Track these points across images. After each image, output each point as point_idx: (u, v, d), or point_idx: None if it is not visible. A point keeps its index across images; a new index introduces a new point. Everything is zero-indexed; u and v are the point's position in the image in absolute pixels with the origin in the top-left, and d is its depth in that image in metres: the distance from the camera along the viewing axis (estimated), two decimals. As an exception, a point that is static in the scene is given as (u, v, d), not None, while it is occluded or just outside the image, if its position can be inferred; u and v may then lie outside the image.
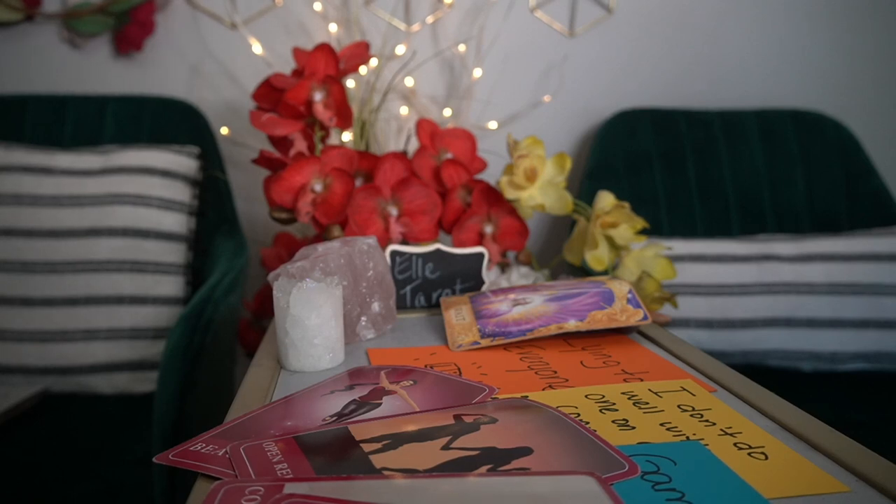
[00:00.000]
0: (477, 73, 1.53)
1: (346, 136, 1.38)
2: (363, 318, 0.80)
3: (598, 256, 1.01)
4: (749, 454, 0.50)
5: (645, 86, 1.61)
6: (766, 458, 0.49)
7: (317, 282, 0.70)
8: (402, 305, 0.92)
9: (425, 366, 0.70)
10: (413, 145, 1.22)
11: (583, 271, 1.21)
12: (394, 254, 0.91)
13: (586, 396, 0.61)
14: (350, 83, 1.43)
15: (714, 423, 0.55)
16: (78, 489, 0.93)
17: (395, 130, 1.54)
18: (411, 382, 0.64)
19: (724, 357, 1.26)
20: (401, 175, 1.04)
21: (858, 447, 0.50)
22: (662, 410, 0.57)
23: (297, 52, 1.13)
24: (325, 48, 1.06)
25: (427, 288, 0.92)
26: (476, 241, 1.06)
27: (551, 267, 1.16)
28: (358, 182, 1.10)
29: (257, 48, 1.47)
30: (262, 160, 1.05)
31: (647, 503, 0.43)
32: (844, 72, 1.65)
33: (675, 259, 1.26)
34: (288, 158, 1.04)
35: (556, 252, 1.59)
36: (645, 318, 0.76)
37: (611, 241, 1.01)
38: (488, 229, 1.06)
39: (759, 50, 1.62)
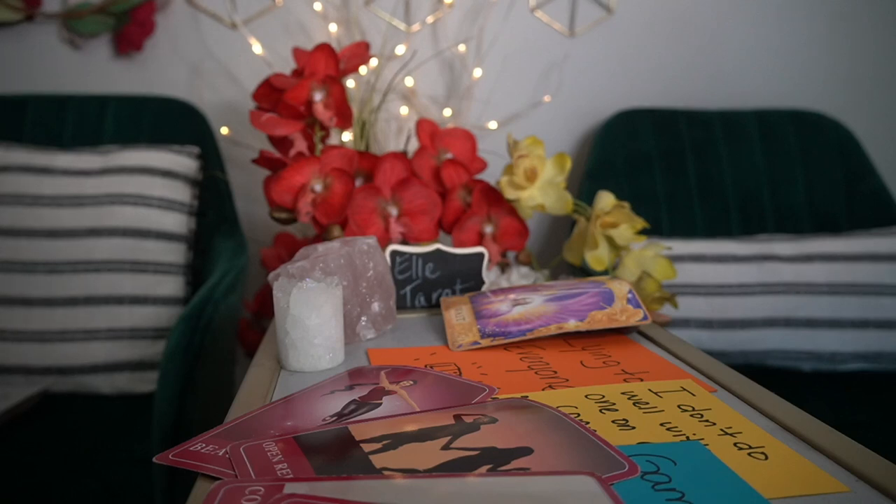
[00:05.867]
0: (477, 73, 1.53)
1: (346, 136, 1.38)
2: (363, 318, 0.80)
3: (598, 256, 1.01)
4: (749, 454, 0.50)
5: (645, 86, 1.61)
6: (766, 458, 0.49)
7: (317, 282, 0.70)
8: (402, 305, 0.92)
9: (425, 366, 0.70)
10: (413, 145, 1.22)
11: (583, 271, 1.21)
12: (394, 254, 0.91)
13: (586, 396, 0.61)
14: (350, 83, 1.43)
15: (714, 423, 0.55)
16: (78, 489, 0.93)
17: (395, 130, 1.54)
18: (411, 382, 0.64)
19: (724, 357, 1.25)
20: (401, 175, 1.04)
21: (858, 447, 0.50)
22: (662, 410, 0.57)
23: (297, 52, 1.13)
24: (325, 48, 1.06)
25: (427, 288, 0.92)
26: (476, 241, 1.05)
27: (551, 267, 1.16)
28: (358, 182, 1.10)
29: (257, 48, 1.47)
30: (262, 160, 1.05)
31: (647, 503, 0.43)
32: (844, 72, 1.65)
33: (675, 259, 1.26)
34: (288, 158, 1.04)
35: (556, 252, 1.59)
36: (645, 318, 0.76)
37: (611, 241, 1.01)
38: (488, 229, 1.06)
39: (759, 50, 1.62)
